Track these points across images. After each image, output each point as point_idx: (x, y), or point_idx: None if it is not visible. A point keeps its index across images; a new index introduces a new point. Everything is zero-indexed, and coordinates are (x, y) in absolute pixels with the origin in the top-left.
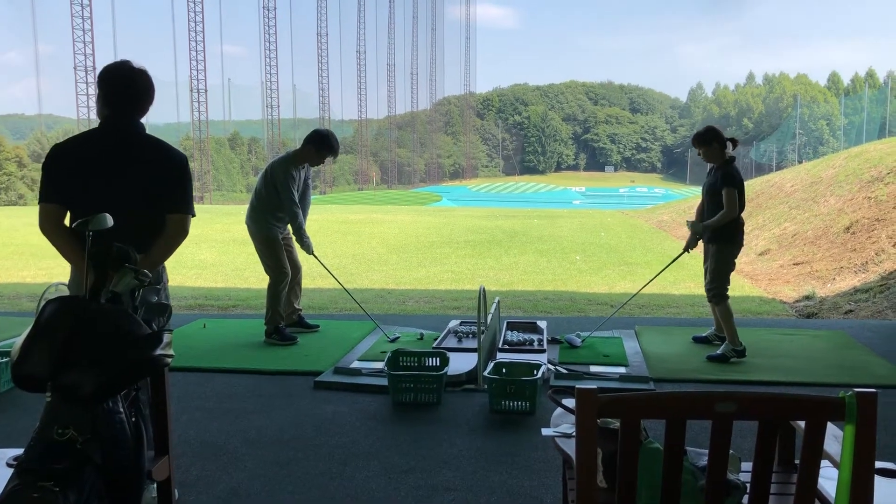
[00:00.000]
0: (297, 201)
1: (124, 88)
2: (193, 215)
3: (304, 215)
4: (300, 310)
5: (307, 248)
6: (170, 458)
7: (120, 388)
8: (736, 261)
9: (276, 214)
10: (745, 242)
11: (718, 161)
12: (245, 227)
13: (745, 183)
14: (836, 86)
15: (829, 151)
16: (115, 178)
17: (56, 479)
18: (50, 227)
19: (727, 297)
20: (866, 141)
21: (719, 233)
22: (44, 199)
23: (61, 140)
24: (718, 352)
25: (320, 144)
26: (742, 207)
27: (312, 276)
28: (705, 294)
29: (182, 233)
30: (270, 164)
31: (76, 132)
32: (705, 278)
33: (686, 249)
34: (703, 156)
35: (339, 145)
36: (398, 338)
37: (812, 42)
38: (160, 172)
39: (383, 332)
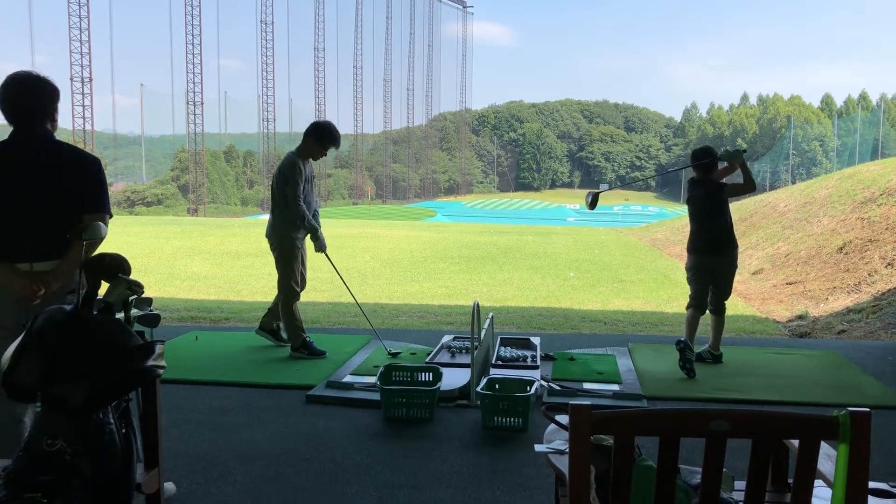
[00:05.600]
0: (303, 199)
1: (25, 98)
2: (111, 215)
3: (313, 214)
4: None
5: (320, 246)
6: (160, 470)
7: (110, 399)
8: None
9: (295, 223)
10: (738, 263)
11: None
12: (266, 240)
13: (740, 203)
14: (830, 107)
15: (823, 172)
16: (29, 184)
17: (44, 491)
18: None
19: (689, 304)
20: (859, 162)
21: (736, 241)
22: None
23: None
24: (679, 362)
25: (321, 135)
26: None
27: (306, 289)
28: (711, 309)
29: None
30: (278, 166)
31: (71, 142)
32: (716, 292)
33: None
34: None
35: (340, 135)
36: (399, 353)
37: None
38: (77, 174)
39: (383, 345)
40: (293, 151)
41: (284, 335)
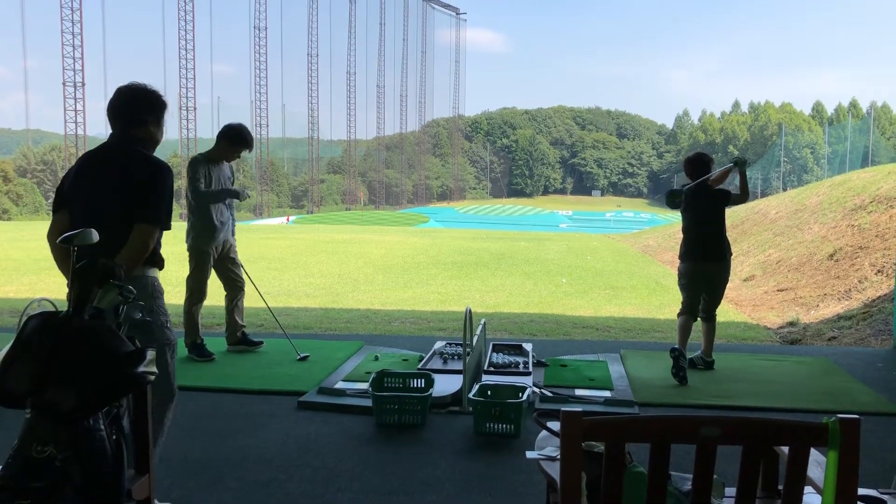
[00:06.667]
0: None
1: (115, 103)
2: (164, 228)
3: (231, 216)
4: (244, 326)
5: (244, 195)
6: (150, 477)
7: (101, 405)
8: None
9: (203, 222)
10: (725, 269)
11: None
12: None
13: (732, 210)
14: (821, 115)
15: (814, 179)
16: (98, 188)
17: (34, 498)
18: (51, 236)
19: (682, 311)
20: (850, 170)
21: (729, 249)
22: (52, 209)
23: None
24: (672, 370)
25: (233, 139)
26: (686, 226)
27: (298, 295)
28: (702, 316)
29: (143, 246)
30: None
31: (63, 147)
32: (710, 299)
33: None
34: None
35: (252, 137)
36: (308, 356)
37: (797, 71)
38: (136, 180)
39: (293, 347)
40: (200, 154)
41: (253, 339)
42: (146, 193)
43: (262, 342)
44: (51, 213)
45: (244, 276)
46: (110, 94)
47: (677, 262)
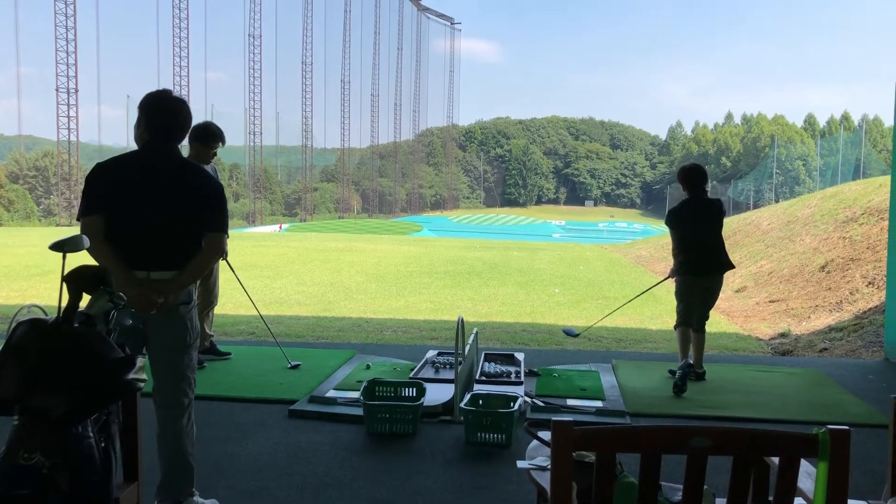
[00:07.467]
0: None
1: (168, 117)
2: (228, 235)
3: None
4: (212, 336)
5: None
6: (139, 485)
7: (90, 412)
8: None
9: None
10: (722, 280)
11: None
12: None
13: (724, 220)
14: (813, 127)
15: (806, 191)
16: (160, 199)
17: None
18: (92, 237)
19: (679, 323)
20: (841, 182)
21: (727, 261)
22: (85, 212)
23: (103, 160)
24: (678, 380)
25: (204, 136)
26: (685, 240)
27: (290, 303)
28: (695, 328)
29: (218, 251)
30: None
31: (55, 154)
32: (704, 310)
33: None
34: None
35: (222, 131)
36: (300, 365)
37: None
38: (204, 195)
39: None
40: None
41: (221, 349)
42: (215, 206)
43: (229, 354)
44: (41, 218)
45: (237, 284)
46: (104, 101)
47: (668, 273)
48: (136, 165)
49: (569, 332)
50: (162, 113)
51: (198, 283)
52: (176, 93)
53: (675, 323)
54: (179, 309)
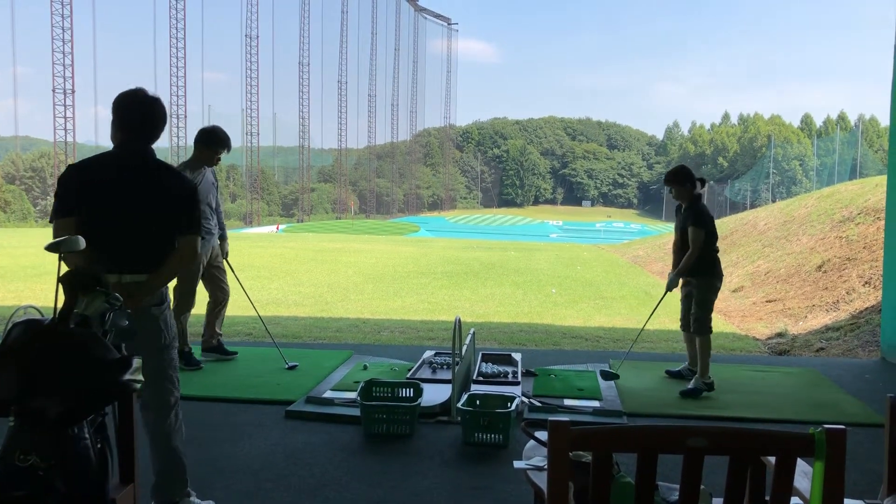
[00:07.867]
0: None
1: (142, 115)
2: (203, 238)
3: (220, 224)
4: (220, 335)
5: (225, 251)
6: (135, 486)
7: (86, 413)
8: (718, 293)
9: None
10: None
11: (688, 200)
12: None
13: (720, 220)
14: (809, 127)
15: (802, 191)
16: (134, 200)
17: None
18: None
19: (711, 329)
20: (838, 182)
21: (698, 266)
22: (57, 215)
23: (77, 161)
24: (690, 386)
25: (209, 140)
26: (712, 242)
27: (287, 304)
28: (682, 327)
29: (193, 253)
30: None
31: (52, 154)
32: (686, 311)
33: (667, 290)
34: (674, 194)
35: (229, 137)
36: (297, 366)
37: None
38: (176, 196)
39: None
40: (183, 163)
41: (228, 349)
42: (188, 207)
43: (235, 353)
44: (38, 219)
45: (236, 284)
46: (101, 101)
47: (668, 273)
48: (109, 165)
49: (607, 375)
50: (135, 112)
51: (197, 284)
52: (152, 91)
53: (702, 329)
54: (152, 310)
